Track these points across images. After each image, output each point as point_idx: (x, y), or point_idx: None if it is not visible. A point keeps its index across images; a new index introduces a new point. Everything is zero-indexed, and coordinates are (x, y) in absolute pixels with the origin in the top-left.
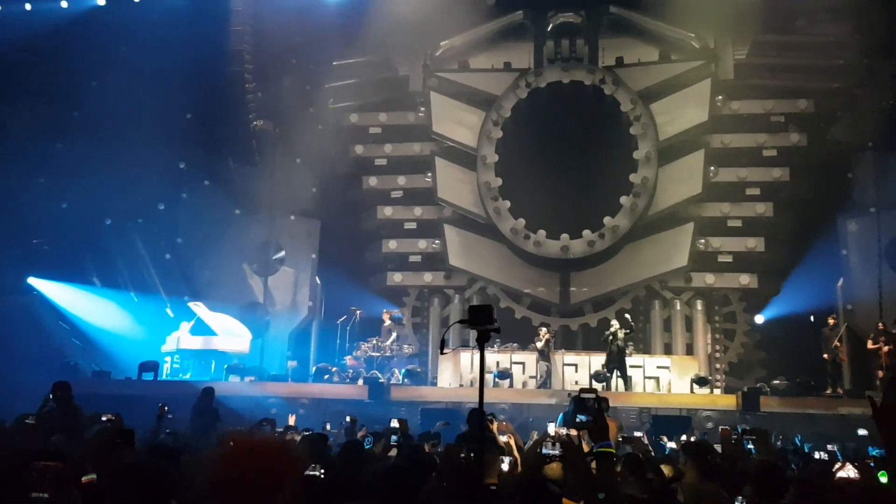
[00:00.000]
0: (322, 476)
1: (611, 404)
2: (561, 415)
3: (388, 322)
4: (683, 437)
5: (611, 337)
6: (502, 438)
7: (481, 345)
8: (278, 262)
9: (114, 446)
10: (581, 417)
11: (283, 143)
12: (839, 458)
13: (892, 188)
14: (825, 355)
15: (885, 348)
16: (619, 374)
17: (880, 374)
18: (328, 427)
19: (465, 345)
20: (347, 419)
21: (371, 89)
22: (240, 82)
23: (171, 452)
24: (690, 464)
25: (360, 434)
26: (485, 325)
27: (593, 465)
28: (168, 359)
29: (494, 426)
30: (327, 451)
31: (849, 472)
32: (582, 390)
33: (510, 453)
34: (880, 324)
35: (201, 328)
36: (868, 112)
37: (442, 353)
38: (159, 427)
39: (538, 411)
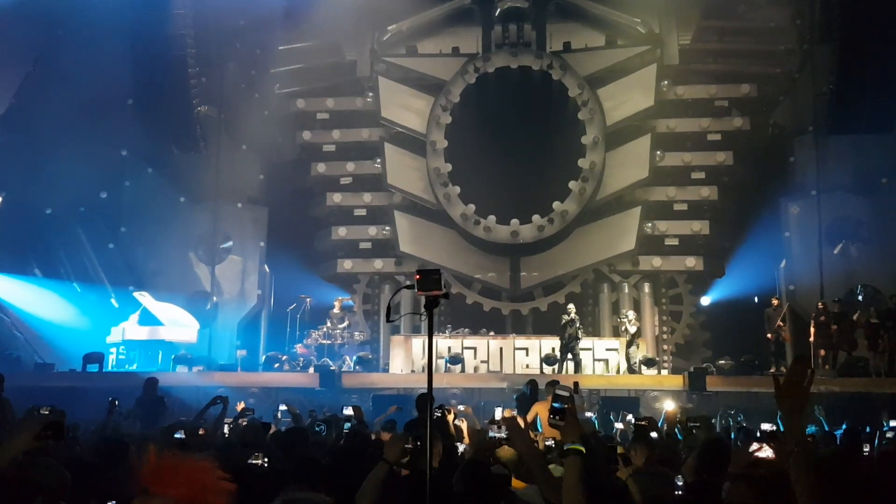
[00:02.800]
0: (264, 465)
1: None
2: (514, 396)
3: (337, 309)
4: (630, 417)
5: (568, 323)
6: (457, 423)
7: (430, 312)
8: (225, 251)
9: (40, 439)
10: (556, 405)
11: (229, 129)
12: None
13: (831, 171)
14: (769, 335)
15: (833, 327)
16: (570, 357)
17: (822, 352)
18: (279, 415)
19: (416, 331)
20: (283, 407)
21: (318, 74)
22: (182, 67)
23: (118, 449)
24: (637, 450)
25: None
26: (433, 290)
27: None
28: (113, 350)
29: (450, 416)
30: (266, 438)
31: (766, 451)
32: (558, 389)
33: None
34: (820, 303)
35: (147, 318)
36: (808, 96)
37: (388, 321)
38: (109, 422)
39: (489, 395)
